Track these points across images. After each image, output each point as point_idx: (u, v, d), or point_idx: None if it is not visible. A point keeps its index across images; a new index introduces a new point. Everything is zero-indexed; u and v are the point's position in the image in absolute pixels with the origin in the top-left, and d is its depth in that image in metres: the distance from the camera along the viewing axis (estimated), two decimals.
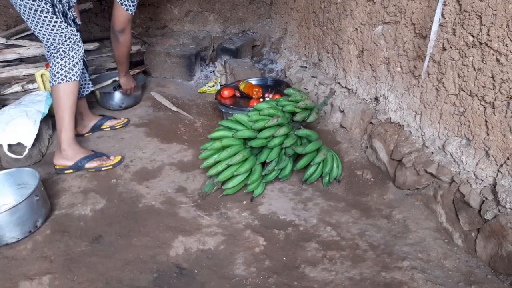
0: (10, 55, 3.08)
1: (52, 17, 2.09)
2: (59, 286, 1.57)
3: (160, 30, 4.07)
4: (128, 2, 2.38)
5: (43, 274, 1.62)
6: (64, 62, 2.19)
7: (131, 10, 2.41)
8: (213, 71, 3.75)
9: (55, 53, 2.20)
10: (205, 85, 3.51)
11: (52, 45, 2.19)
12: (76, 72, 2.23)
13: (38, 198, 1.82)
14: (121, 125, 2.78)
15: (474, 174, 1.69)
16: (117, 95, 2.98)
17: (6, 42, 3.14)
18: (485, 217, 1.59)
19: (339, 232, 1.84)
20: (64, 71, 2.19)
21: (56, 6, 2.11)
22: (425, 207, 1.91)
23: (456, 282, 1.55)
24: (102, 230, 1.86)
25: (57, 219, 1.92)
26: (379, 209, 1.98)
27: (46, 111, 2.45)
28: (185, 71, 3.59)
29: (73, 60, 2.22)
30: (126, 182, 2.20)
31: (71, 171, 2.25)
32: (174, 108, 3.04)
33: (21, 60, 3.12)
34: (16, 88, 2.91)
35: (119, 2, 2.37)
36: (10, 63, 3.09)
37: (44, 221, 1.88)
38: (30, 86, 2.91)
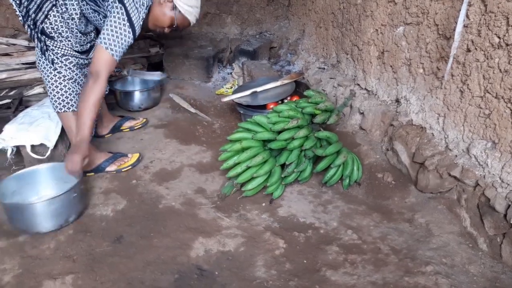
0: (32, 57, 3.13)
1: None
2: (82, 285, 1.58)
3: (178, 32, 4.09)
4: (112, 42, 1.97)
5: (66, 273, 1.63)
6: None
7: (116, 54, 2.00)
8: (231, 73, 3.76)
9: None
10: (222, 87, 3.52)
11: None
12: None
13: (75, 195, 1.88)
14: (140, 125, 2.81)
15: (500, 178, 1.65)
16: (137, 96, 3.01)
17: (28, 44, 3.19)
18: (511, 222, 1.56)
19: (360, 235, 1.82)
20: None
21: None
22: (448, 211, 1.88)
23: (482, 287, 1.52)
24: (123, 231, 1.87)
25: (79, 219, 1.94)
26: (401, 212, 1.95)
27: None
28: (203, 73, 3.61)
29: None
30: (146, 183, 2.22)
31: (92, 174, 2.27)
32: (193, 110, 3.05)
33: None
34: (38, 89, 2.95)
35: (100, 41, 1.98)
36: (32, 65, 3.15)
37: (76, 217, 1.93)
38: None
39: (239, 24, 4.13)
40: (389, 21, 2.31)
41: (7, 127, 2.26)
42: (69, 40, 2.13)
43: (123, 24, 1.96)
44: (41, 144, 2.28)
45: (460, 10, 1.71)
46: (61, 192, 1.83)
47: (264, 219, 1.95)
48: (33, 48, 3.20)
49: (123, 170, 2.30)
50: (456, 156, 1.86)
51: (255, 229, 1.88)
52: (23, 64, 3.11)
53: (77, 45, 2.18)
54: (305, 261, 1.69)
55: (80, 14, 2.14)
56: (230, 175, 2.07)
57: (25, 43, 3.17)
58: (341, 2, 2.88)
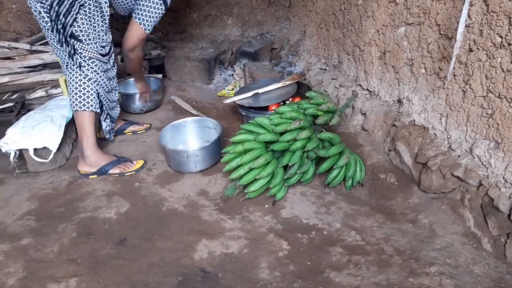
0: (34, 60, 3.15)
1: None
2: None
3: (179, 35, 4.10)
4: (146, 18, 2.33)
5: (70, 276, 1.64)
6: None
7: (148, 28, 2.37)
8: (232, 75, 3.76)
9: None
10: (224, 89, 3.52)
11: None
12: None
13: (217, 144, 2.36)
14: (144, 131, 2.81)
15: (503, 178, 1.65)
16: (139, 98, 3.01)
17: (30, 48, 3.21)
18: None
19: (364, 236, 1.81)
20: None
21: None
22: (452, 211, 1.87)
23: None
24: (126, 233, 1.87)
25: (82, 222, 1.94)
26: (404, 213, 1.95)
27: (71, 116, 2.49)
28: (204, 75, 3.61)
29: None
30: (149, 186, 2.22)
31: (95, 176, 2.28)
32: (194, 112, 3.06)
33: (45, 66, 3.18)
34: (40, 93, 2.97)
35: (135, 18, 2.34)
36: (34, 68, 3.16)
37: (213, 165, 2.38)
38: (53, 91, 2.96)
39: (240, 26, 4.14)
40: (390, 21, 2.31)
41: (10, 131, 2.27)
42: (95, 43, 2.22)
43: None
44: (44, 148, 2.29)
45: (461, 10, 1.71)
46: (207, 143, 2.36)
47: (267, 221, 1.95)
48: (34, 51, 3.21)
49: (126, 174, 2.30)
50: (459, 156, 1.86)
51: (258, 230, 1.88)
52: (25, 67, 3.13)
53: (101, 47, 2.27)
54: (308, 263, 1.69)
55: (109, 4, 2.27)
56: (233, 177, 2.07)
57: (27, 46, 3.19)
58: (342, 3, 2.88)
